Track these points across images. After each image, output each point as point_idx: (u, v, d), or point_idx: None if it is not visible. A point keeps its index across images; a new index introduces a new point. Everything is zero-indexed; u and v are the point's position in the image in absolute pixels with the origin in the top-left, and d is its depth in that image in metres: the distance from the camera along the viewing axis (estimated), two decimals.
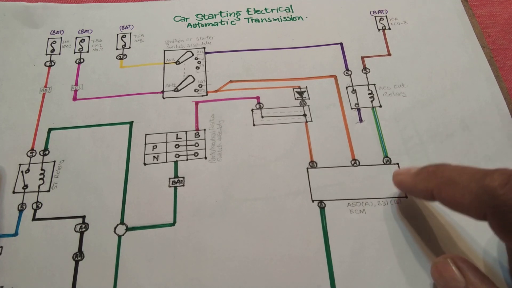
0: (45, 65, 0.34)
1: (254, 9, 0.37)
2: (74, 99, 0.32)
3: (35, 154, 0.30)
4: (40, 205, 0.28)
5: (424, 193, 0.23)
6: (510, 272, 0.24)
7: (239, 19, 0.36)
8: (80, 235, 0.27)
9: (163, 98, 0.32)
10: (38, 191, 0.29)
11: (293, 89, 0.32)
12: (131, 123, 0.31)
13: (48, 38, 0.35)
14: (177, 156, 0.30)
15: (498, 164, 0.29)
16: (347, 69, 0.33)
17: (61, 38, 0.35)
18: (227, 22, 0.36)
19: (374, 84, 0.33)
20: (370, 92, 0.32)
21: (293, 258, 0.26)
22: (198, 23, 0.36)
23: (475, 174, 0.20)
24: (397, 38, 0.35)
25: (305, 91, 0.32)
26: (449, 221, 0.27)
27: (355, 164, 0.29)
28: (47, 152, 0.30)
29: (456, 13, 0.35)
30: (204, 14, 0.36)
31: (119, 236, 0.27)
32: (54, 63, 0.34)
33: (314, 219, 0.27)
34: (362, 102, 0.32)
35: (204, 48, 0.35)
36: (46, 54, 0.34)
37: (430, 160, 0.29)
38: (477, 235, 0.26)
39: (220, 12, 0.37)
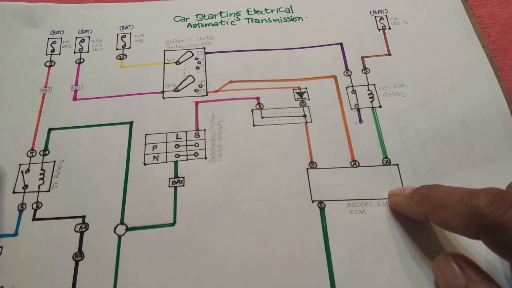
0: (45, 65, 0.34)
1: (254, 9, 0.37)
2: (74, 99, 0.32)
3: (35, 154, 0.30)
4: (40, 205, 0.28)
5: (418, 216, 0.24)
6: None
7: (239, 19, 0.36)
8: (80, 235, 0.27)
9: (163, 98, 0.32)
10: (38, 191, 0.29)
11: (293, 89, 0.32)
12: (131, 123, 0.31)
13: (48, 38, 0.35)
14: (177, 156, 0.30)
15: (498, 164, 0.29)
16: (347, 69, 0.33)
17: (61, 38, 0.35)
18: (227, 22, 0.36)
19: (374, 84, 0.33)
20: (370, 92, 0.32)
21: (293, 258, 0.26)
22: (198, 23, 0.36)
23: (463, 195, 0.20)
24: (397, 38, 0.35)
25: (305, 92, 0.32)
26: None
27: (354, 165, 0.29)
28: (47, 152, 0.30)
29: (456, 13, 0.35)
30: (204, 14, 0.36)
31: (119, 236, 0.27)
32: (54, 63, 0.34)
33: (314, 220, 0.27)
34: (362, 103, 0.32)
35: (204, 48, 0.35)
36: (46, 54, 0.34)
37: (430, 160, 0.29)
38: None
39: (220, 12, 0.37)
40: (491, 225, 0.19)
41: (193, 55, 0.34)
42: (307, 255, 0.26)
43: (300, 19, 0.36)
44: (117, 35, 0.35)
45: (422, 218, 0.23)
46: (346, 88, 0.32)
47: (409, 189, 0.26)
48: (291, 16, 0.36)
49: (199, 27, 0.36)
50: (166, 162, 0.30)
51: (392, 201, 0.27)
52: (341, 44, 0.35)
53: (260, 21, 0.36)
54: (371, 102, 0.32)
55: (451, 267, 0.22)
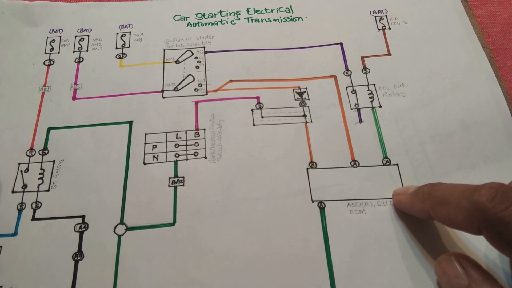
0: (44, 64, 0.34)
1: (254, 9, 0.37)
2: (74, 98, 0.32)
3: (35, 154, 0.30)
4: (39, 205, 0.28)
5: (421, 214, 0.24)
6: None
7: (239, 19, 0.36)
8: (80, 235, 0.27)
9: (163, 97, 0.32)
10: (38, 191, 0.29)
11: (293, 89, 0.32)
12: (130, 123, 0.31)
13: (47, 37, 0.35)
14: (177, 155, 0.30)
15: (498, 164, 0.29)
16: (347, 69, 0.33)
17: (60, 37, 0.35)
18: (227, 21, 0.36)
19: (374, 84, 0.33)
20: (370, 92, 0.32)
21: (293, 258, 0.26)
22: (198, 22, 0.36)
23: (465, 191, 0.21)
24: (397, 38, 0.35)
25: (305, 92, 0.32)
26: None
27: (354, 165, 0.29)
28: (46, 151, 0.30)
29: (456, 13, 0.35)
30: (204, 14, 0.36)
31: (119, 236, 0.27)
32: (53, 62, 0.34)
33: (314, 219, 0.27)
34: (362, 102, 0.32)
35: (204, 47, 0.35)
36: (45, 53, 0.34)
37: (430, 160, 0.29)
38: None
39: (220, 12, 0.36)
40: (493, 219, 0.19)
41: (193, 54, 0.34)
42: (307, 255, 0.26)
43: (300, 19, 0.36)
44: (117, 34, 0.35)
45: (425, 215, 0.24)
46: (346, 88, 0.32)
47: (412, 187, 0.26)
48: (291, 16, 0.36)
49: (199, 26, 0.36)
50: (166, 161, 0.30)
51: (396, 200, 0.27)
52: (341, 44, 0.35)
53: (260, 20, 0.36)
54: (371, 102, 0.32)
55: (454, 267, 0.22)
